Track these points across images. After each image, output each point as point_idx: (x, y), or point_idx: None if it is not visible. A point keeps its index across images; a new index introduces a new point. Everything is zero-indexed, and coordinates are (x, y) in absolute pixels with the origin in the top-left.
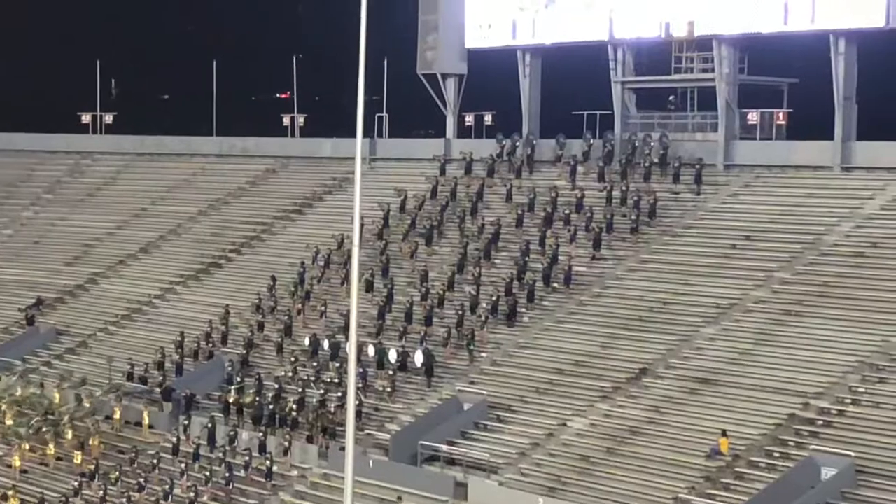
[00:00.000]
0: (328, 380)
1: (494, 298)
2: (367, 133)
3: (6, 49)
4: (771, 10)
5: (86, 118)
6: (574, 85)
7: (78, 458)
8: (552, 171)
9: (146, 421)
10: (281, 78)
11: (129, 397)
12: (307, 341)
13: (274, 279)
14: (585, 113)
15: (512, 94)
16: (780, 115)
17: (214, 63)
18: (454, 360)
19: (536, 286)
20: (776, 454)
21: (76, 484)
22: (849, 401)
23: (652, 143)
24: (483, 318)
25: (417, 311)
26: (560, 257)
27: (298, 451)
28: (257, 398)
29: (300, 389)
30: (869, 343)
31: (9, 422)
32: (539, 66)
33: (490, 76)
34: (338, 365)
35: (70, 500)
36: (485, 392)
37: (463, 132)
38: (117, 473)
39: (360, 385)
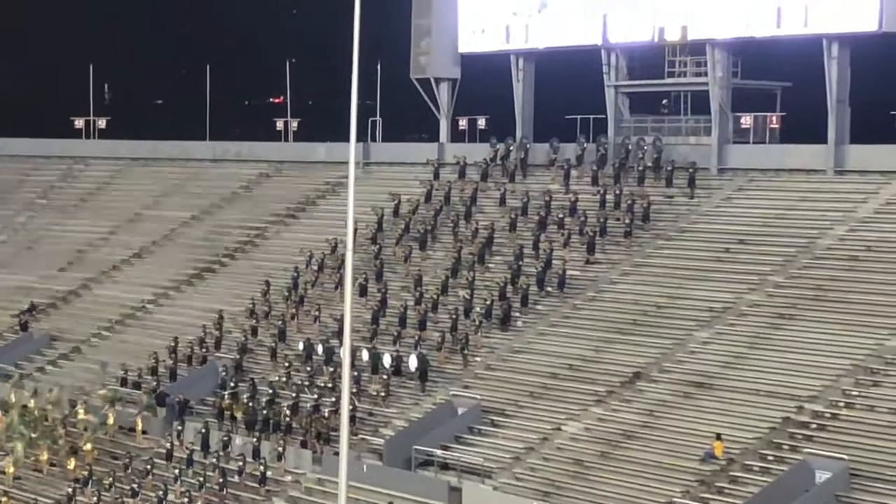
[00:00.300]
0: (322, 384)
1: (488, 302)
2: (361, 137)
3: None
4: (764, 14)
5: (79, 123)
6: (567, 89)
7: (71, 463)
8: (546, 175)
9: (140, 426)
10: (275, 82)
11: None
12: (301, 346)
13: (268, 284)
14: (579, 117)
15: (505, 99)
16: (774, 118)
17: (208, 68)
18: (448, 365)
19: (530, 290)
20: (770, 458)
21: (70, 490)
22: (843, 404)
23: (645, 147)
24: (477, 323)
25: (411, 315)
26: (554, 261)
27: (292, 456)
28: (251, 404)
29: (294, 394)
30: (863, 346)
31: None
32: (532, 70)
33: (483, 80)
34: (332, 370)
35: None
36: (479, 396)
37: (456, 136)
38: (111, 479)
39: (355, 390)
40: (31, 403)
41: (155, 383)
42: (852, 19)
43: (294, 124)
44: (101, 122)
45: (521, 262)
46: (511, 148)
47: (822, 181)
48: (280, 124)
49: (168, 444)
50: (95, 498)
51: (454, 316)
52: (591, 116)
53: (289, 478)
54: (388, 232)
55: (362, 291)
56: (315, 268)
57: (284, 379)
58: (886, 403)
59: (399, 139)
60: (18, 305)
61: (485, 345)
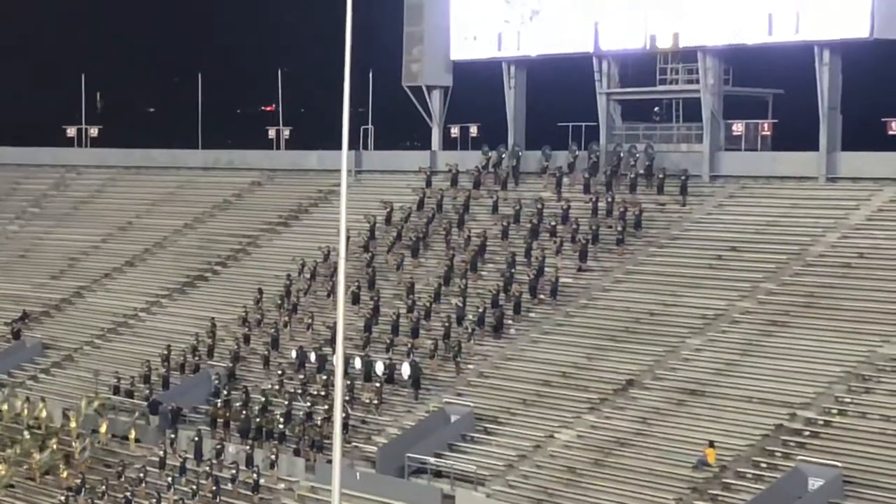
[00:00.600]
0: (315, 392)
1: (481, 310)
2: (353, 145)
3: None
4: (755, 21)
5: (71, 131)
6: (559, 96)
7: (64, 472)
8: (538, 183)
9: (133, 435)
10: (266, 91)
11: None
12: (294, 354)
13: (260, 292)
14: (571, 124)
15: (497, 106)
16: (766, 125)
17: (200, 76)
18: (441, 373)
19: (523, 298)
20: (763, 465)
21: (62, 498)
22: (835, 411)
23: (637, 155)
24: (470, 330)
25: (404, 323)
26: (546, 269)
27: (285, 464)
28: (244, 411)
29: (287, 402)
30: (855, 353)
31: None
32: (524, 77)
33: (475, 88)
34: (325, 377)
35: None
36: (472, 404)
37: (448, 144)
38: (104, 487)
39: (347, 397)
40: (25, 412)
41: (148, 391)
42: (844, 26)
43: (286, 132)
44: (93, 131)
45: (513, 270)
46: (503, 155)
47: (814, 188)
48: (272, 132)
49: (161, 453)
50: None
51: (447, 323)
52: (583, 124)
53: (282, 486)
54: (381, 240)
55: (355, 299)
56: (307, 276)
57: (277, 387)
58: (879, 410)
59: (391, 147)
60: (10, 314)
61: (478, 352)
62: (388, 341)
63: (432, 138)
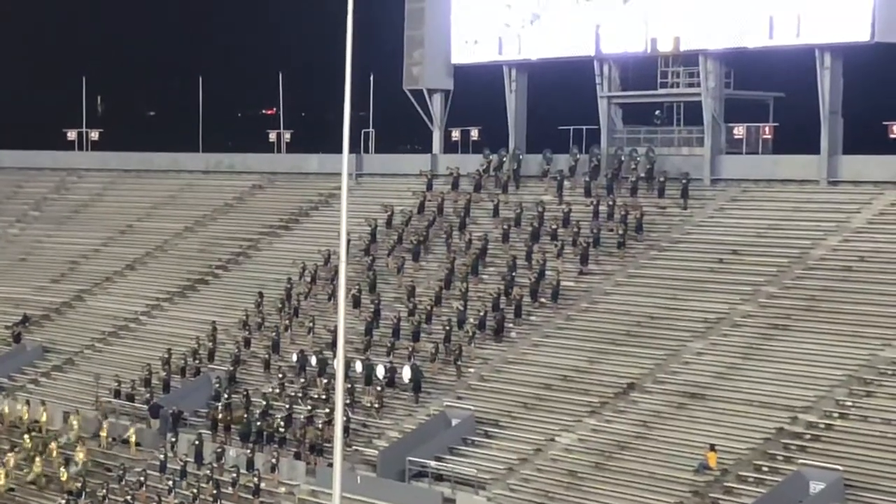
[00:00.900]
0: (316, 396)
1: (482, 314)
2: (354, 149)
3: None
4: (756, 24)
5: (72, 135)
6: (560, 100)
7: (64, 475)
8: (539, 186)
9: (133, 438)
10: (267, 94)
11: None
12: (294, 357)
13: (261, 295)
14: (572, 128)
15: (498, 110)
16: (766, 129)
17: (200, 79)
18: (442, 376)
19: (524, 301)
20: (765, 468)
21: (63, 502)
22: (837, 415)
23: (638, 158)
24: (470, 334)
25: (405, 326)
26: (547, 272)
27: (286, 467)
28: (245, 415)
29: (288, 406)
30: (856, 357)
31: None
32: (525, 81)
33: (476, 91)
34: (325, 381)
35: None
36: (472, 407)
37: (449, 147)
38: (104, 491)
39: (348, 401)
40: (25, 416)
41: (148, 395)
42: (845, 29)
43: (287, 136)
44: (94, 134)
45: (514, 273)
46: (504, 159)
47: (815, 192)
48: (273, 136)
49: (162, 456)
50: None
51: (448, 327)
52: (584, 127)
53: (283, 489)
54: (382, 243)
55: (356, 303)
56: (308, 279)
57: (278, 390)
58: (880, 414)
59: (392, 150)
60: (11, 317)
61: (478, 356)
62: (388, 345)
63: (433, 142)
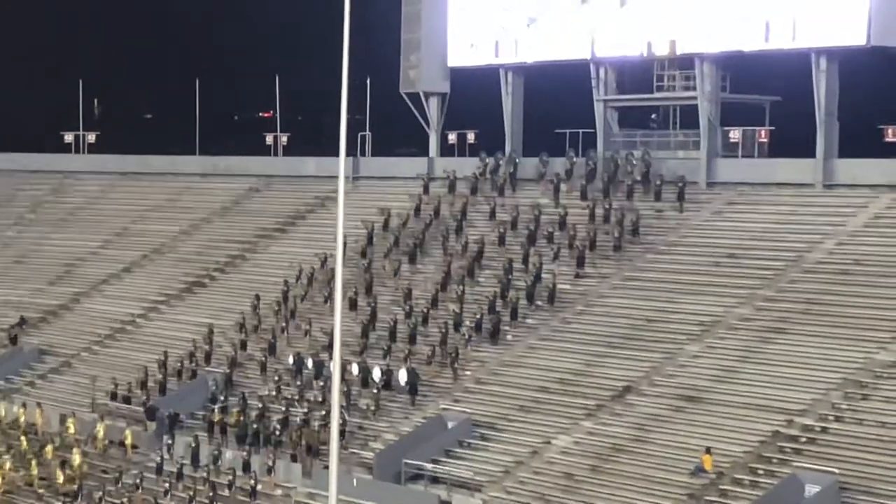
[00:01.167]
0: (312, 398)
1: (478, 316)
2: (351, 152)
3: None
4: (752, 28)
5: (69, 137)
6: (557, 103)
7: (61, 478)
8: (535, 190)
9: (129, 440)
10: (264, 97)
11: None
12: (291, 360)
13: (258, 298)
14: (568, 131)
15: (495, 113)
16: (763, 132)
17: (197, 82)
18: (438, 379)
19: (520, 304)
20: (760, 471)
21: None
22: (832, 418)
23: (634, 162)
24: (467, 337)
25: (401, 329)
26: (543, 275)
27: (282, 469)
28: (241, 417)
29: (284, 408)
30: (853, 360)
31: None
32: (522, 84)
33: (473, 95)
34: (322, 383)
35: None
36: (469, 410)
37: (446, 151)
38: (101, 493)
39: (344, 404)
40: (21, 418)
41: (145, 397)
42: (841, 33)
43: (283, 139)
44: (91, 137)
45: (510, 276)
46: (500, 162)
47: (811, 195)
48: (269, 139)
49: (158, 458)
50: None
51: (444, 330)
52: (581, 131)
53: (279, 492)
54: (378, 246)
55: (352, 305)
56: (305, 282)
57: (274, 393)
58: (876, 417)
59: (389, 153)
60: (8, 319)
61: (475, 358)
62: (385, 347)
63: (430, 145)
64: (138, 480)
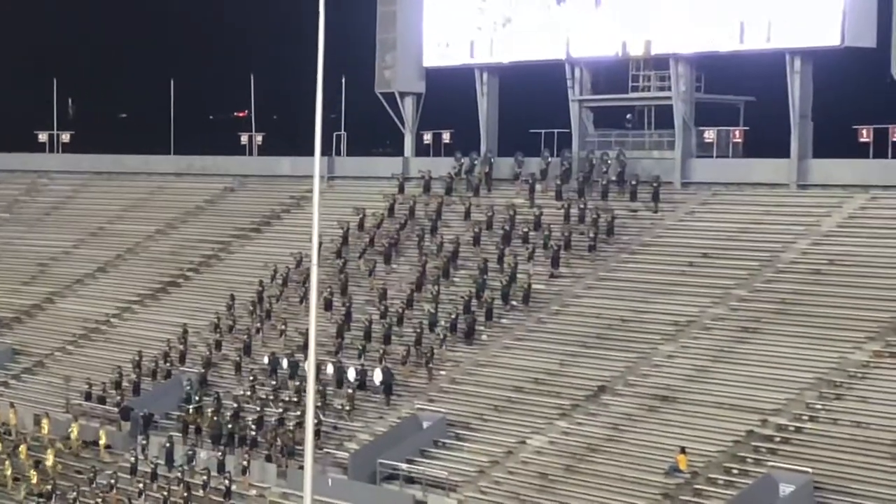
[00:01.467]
0: (287, 398)
1: (453, 316)
2: (326, 151)
3: None
4: (727, 28)
5: (43, 137)
6: (532, 103)
7: (34, 477)
8: (510, 190)
9: (104, 441)
10: (239, 96)
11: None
12: (266, 360)
13: (233, 298)
14: (543, 131)
15: (470, 113)
16: (737, 132)
17: (172, 82)
18: (413, 379)
19: (495, 304)
20: (734, 471)
21: None
22: (806, 417)
23: (609, 161)
24: (442, 337)
25: (376, 329)
26: (519, 275)
27: (257, 470)
28: (216, 417)
29: (259, 408)
30: (826, 360)
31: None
32: (497, 84)
33: (448, 95)
34: (297, 384)
35: None
36: (444, 410)
37: (421, 150)
38: (75, 494)
39: (319, 404)
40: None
41: (119, 398)
42: (815, 34)
43: (258, 138)
44: (65, 136)
45: (485, 276)
46: (475, 162)
47: (786, 195)
48: (244, 138)
49: (132, 459)
50: None
51: (419, 330)
52: (556, 131)
53: (253, 492)
54: (353, 246)
55: (327, 305)
56: (280, 282)
57: (249, 393)
58: (850, 417)
59: (364, 153)
60: None
61: (450, 358)
62: (360, 347)
63: (405, 145)
64: (112, 481)
